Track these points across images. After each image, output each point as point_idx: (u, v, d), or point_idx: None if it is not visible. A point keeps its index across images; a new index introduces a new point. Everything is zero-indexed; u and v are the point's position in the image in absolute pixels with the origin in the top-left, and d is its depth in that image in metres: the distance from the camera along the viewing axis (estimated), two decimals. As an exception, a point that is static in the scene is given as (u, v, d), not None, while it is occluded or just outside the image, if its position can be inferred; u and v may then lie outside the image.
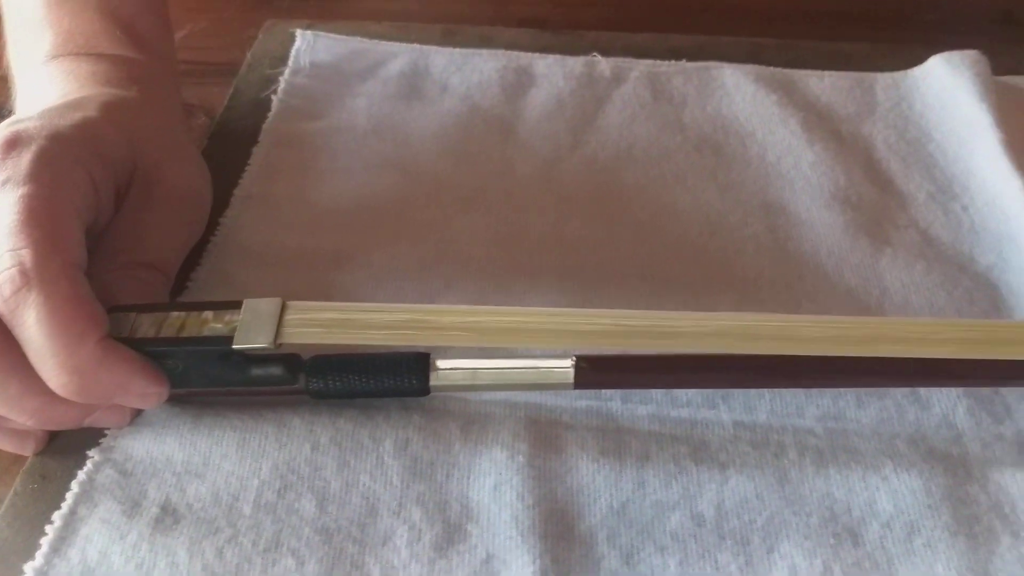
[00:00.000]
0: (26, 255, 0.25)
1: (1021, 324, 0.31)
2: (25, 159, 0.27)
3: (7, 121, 0.29)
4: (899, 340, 0.27)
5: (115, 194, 0.30)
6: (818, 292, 0.34)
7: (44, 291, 0.25)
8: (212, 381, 0.28)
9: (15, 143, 0.27)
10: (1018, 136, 0.39)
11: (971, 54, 0.42)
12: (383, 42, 0.44)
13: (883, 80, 0.43)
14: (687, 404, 0.30)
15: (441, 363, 0.29)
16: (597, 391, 0.30)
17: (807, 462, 0.28)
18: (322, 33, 0.44)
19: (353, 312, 0.28)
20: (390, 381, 0.29)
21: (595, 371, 0.28)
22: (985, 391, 0.30)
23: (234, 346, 0.27)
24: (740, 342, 0.27)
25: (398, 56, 0.44)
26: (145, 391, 0.27)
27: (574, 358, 0.28)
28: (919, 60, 0.45)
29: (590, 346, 0.28)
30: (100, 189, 0.29)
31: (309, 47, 0.43)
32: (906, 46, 0.46)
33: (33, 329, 0.25)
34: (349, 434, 0.28)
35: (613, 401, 0.30)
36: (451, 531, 0.26)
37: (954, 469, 0.28)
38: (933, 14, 0.51)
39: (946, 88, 0.41)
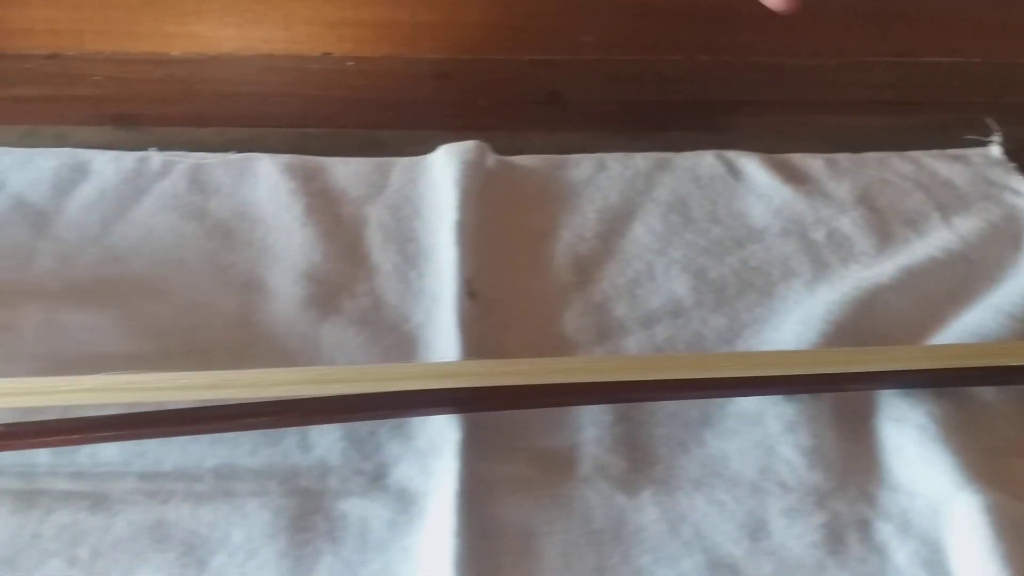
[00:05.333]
0: None
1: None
2: None
3: None
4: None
5: None
6: (266, 357, 0.40)
7: None
8: None
9: None
10: (493, 210, 0.47)
11: (468, 144, 0.50)
12: (-48, 145, 0.49)
13: (401, 164, 0.50)
14: (104, 464, 0.35)
15: None
16: (30, 455, 0.35)
17: (186, 506, 0.34)
18: None
19: None
20: None
21: (9, 438, 0.34)
22: (364, 432, 0.37)
23: None
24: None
25: (-35, 158, 0.49)
26: None
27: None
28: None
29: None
30: None
31: None
32: (450, 133, 0.54)
33: None
34: None
35: (40, 465, 0.35)
36: None
37: (307, 502, 0.34)
38: (485, 100, 0.60)
39: (440, 173, 0.49)
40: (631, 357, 0.39)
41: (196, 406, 0.35)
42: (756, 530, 0.34)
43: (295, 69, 0.62)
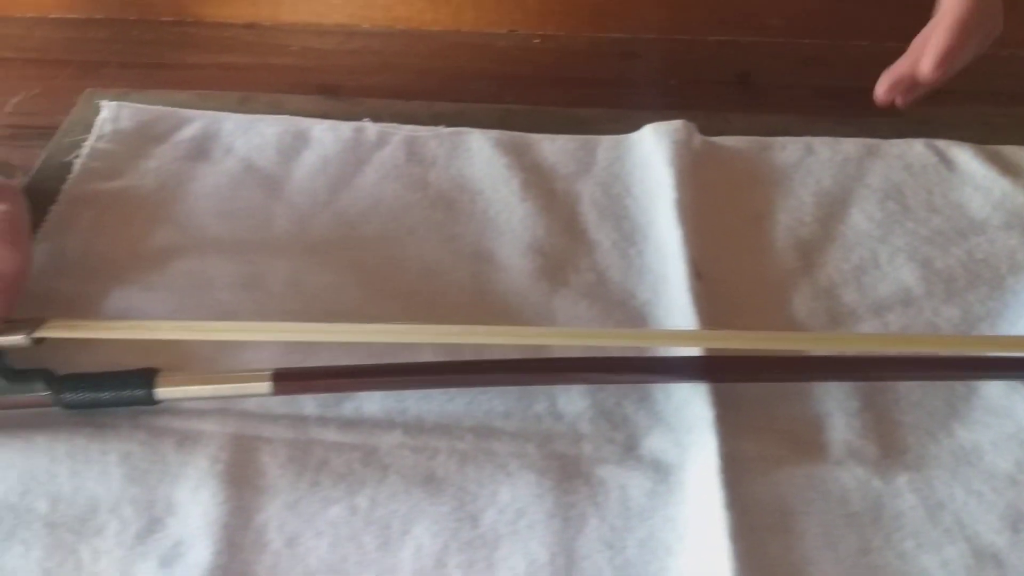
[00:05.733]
0: None
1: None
2: None
3: None
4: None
5: None
6: (504, 324, 0.41)
7: None
8: None
9: None
10: (706, 191, 0.47)
11: (676, 123, 0.50)
12: (182, 109, 0.51)
13: (606, 143, 0.51)
14: (369, 418, 0.37)
15: (163, 378, 0.36)
16: (298, 406, 0.37)
17: (452, 463, 0.36)
18: (126, 104, 0.51)
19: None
20: (126, 393, 0.36)
21: (287, 380, 0.36)
22: (610, 403, 0.38)
23: None
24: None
25: (193, 122, 0.50)
26: None
27: (272, 371, 0.36)
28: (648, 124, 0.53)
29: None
30: None
31: (113, 115, 0.50)
32: (643, 112, 0.55)
33: None
34: (82, 448, 0.35)
35: (310, 416, 0.37)
36: (152, 523, 0.33)
37: (567, 466, 0.36)
38: (675, 79, 0.60)
39: (650, 152, 0.49)
40: (886, 334, 0.39)
41: (454, 360, 0.37)
42: (1018, 522, 0.34)
43: (483, 45, 0.63)
